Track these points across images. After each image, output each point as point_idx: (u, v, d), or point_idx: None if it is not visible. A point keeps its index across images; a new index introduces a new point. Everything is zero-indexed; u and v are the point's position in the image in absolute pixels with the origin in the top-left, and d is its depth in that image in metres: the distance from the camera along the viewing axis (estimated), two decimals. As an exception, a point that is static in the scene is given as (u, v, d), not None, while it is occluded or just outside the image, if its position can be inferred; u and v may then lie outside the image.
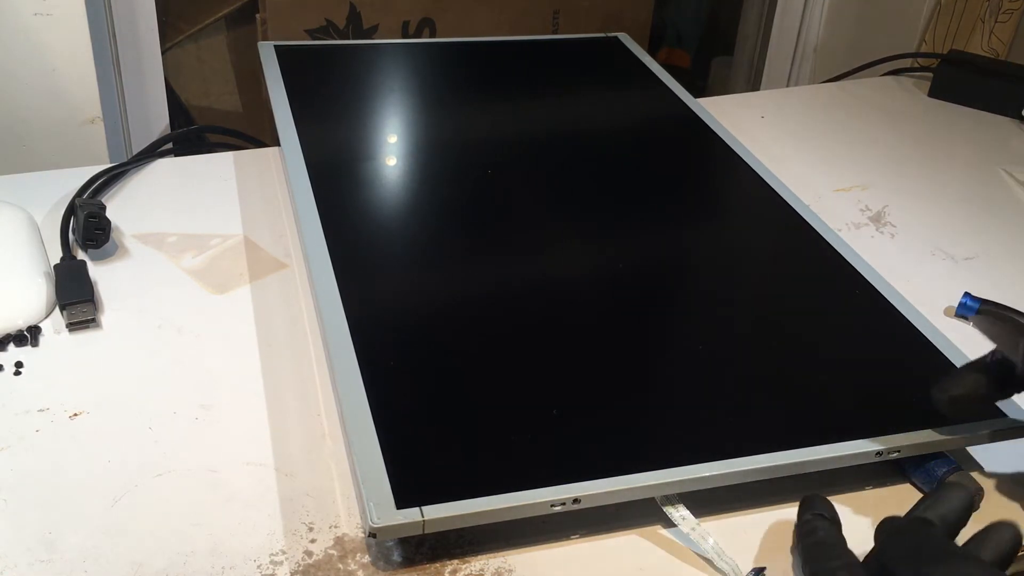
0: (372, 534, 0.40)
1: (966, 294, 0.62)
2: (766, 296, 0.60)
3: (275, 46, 0.80)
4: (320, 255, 0.56)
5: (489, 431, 0.46)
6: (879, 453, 0.47)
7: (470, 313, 0.55)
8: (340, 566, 0.42)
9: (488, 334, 0.53)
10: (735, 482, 0.45)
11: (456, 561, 0.43)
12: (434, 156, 0.71)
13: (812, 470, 0.46)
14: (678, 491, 0.45)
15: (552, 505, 0.42)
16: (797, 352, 0.55)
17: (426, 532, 0.41)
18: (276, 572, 0.42)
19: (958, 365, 0.53)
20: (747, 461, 0.45)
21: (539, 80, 0.84)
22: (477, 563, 0.43)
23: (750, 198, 0.70)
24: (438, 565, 0.43)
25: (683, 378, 0.52)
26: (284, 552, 0.43)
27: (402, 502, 0.41)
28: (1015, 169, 0.81)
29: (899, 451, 0.47)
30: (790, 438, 0.46)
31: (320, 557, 0.43)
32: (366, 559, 0.43)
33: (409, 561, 0.43)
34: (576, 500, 0.43)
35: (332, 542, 0.44)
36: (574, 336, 0.54)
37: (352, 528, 0.44)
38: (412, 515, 0.40)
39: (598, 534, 0.45)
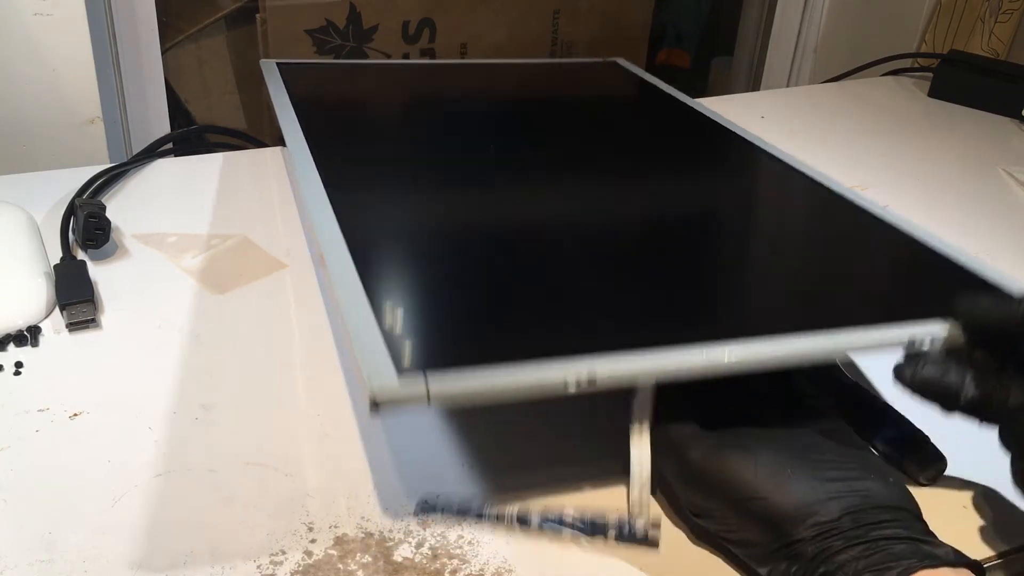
0: (375, 403, 0.36)
1: (966, 294, 0.62)
2: (770, 211, 0.64)
3: (277, 63, 0.80)
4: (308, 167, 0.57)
5: (495, 305, 0.45)
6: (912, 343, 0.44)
7: (472, 210, 0.56)
8: (340, 566, 0.42)
9: (494, 228, 0.54)
10: (755, 365, 0.42)
11: (456, 561, 0.43)
12: (438, 154, 0.71)
13: (839, 352, 0.45)
14: (695, 369, 0.42)
15: (567, 385, 0.39)
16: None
17: (432, 403, 0.37)
18: (276, 572, 0.42)
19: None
20: (764, 343, 0.42)
21: (544, 96, 0.85)
22: (477, 563, 0.43)
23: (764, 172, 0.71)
24: (438, 565, 0.43)
25: (690, 263, 0.53)
26: (284, 552, 0.43)
27: (403, 369, 0.37)
28: (1015, 169, 0.81)
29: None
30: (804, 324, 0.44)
31: (320, 557, 0.43)
32: (366, 559, 0.43)
33: (409, 561, 0.43)
34: (592, 381, 0.39)
35: (332, 542, 0.44)
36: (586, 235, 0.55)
37: (352, 528, 0.44)
38: (415, 382, 0.37)
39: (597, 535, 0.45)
